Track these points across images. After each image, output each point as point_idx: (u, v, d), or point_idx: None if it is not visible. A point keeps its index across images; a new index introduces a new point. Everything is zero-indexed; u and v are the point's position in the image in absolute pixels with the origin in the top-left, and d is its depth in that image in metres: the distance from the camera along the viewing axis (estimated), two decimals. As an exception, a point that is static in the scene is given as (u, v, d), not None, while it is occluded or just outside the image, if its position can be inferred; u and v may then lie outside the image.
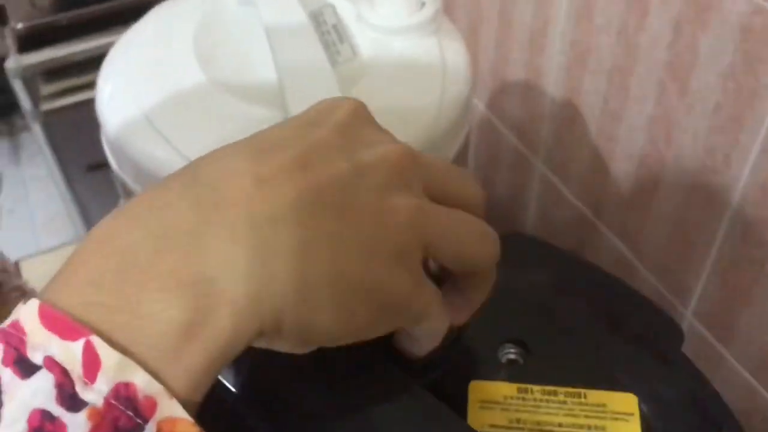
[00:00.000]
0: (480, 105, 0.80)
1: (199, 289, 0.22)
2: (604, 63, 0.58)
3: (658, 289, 0.61)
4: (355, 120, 0.28)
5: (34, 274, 0.76)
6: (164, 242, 0.23)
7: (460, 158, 0.58)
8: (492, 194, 0.83)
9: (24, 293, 0.62)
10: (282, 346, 0.25)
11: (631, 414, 0.29)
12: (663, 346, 0.33)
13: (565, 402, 0.30)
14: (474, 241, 0.28)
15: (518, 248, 0.36)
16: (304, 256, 0.24)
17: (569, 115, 0.65)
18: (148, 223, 0.24)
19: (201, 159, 0.26)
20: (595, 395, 0.30)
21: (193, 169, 0.26)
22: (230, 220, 0.23)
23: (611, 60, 0.57)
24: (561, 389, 0.30)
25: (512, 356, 0.32)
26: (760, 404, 0.55)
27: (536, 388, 0.30)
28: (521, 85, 0.71)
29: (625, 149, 0.60)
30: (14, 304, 0.56)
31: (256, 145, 0.26)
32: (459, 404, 0.30)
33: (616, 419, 0.29)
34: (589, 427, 0.29)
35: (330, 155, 0.26)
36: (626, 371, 0.31)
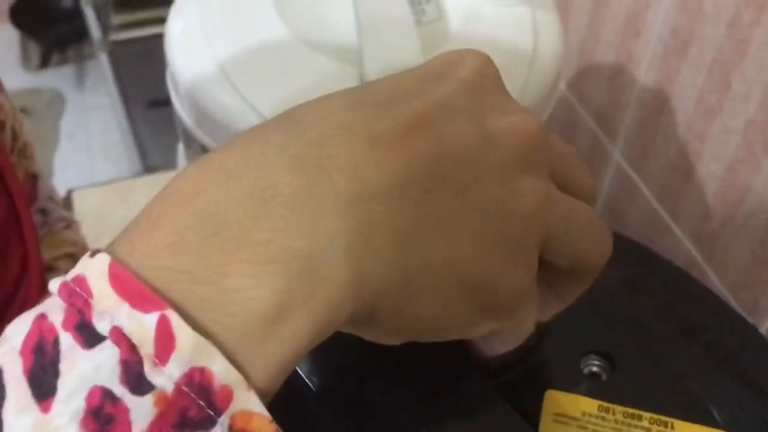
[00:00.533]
0: (561, 84, 0.76)
1: (295, 266, 0.19)
2: (706, 55, 0.54)
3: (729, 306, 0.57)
4: (484, 80, 0.24)
5: (87, 206, 0.75)
6: (260, 206, 0.20)
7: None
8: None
9: (69, 225, 0.61)
10: (370, 335, 0.22)
11: (723, 455, 0.26)
12: (756, 372, 0.30)
13: (649, 430, 0.27)
14: (593, 237, 0.25)
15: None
16: (414, 237, 0.21)
17: (658, 106, 0.61)
18: (242, 181, 0.20)
19: (304, 107, 0.23)
20: (685, 428, 0.27)
21: (296, 119, 0.22)
22: (335, 187, 0.20)
23: (715, 53, 0.53)
24: (646, 414, 0.27)
25: (595, 369, 0.29)
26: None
27: (619, 408, 0.27)
28: (609, 69, 0.67)
29: (716, 150, 0.55)
30: (60, 235, 0.53)
31: (370, 98, 0.23)
32: (532, 412, 0.27)
33: (705, 461, 0.26)
34: None
35: (455, 118, 0.22)
36: (718, 400, 0.27)
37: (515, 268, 0.22)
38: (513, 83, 0.47)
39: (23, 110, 2.09)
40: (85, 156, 1.95)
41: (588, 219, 0.25)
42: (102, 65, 1.32)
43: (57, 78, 2.21)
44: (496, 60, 0.48)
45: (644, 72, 0.62)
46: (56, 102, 2.14)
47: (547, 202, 0.23)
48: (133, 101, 1.31)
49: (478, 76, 0.24)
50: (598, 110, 0.71)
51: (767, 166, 0.51)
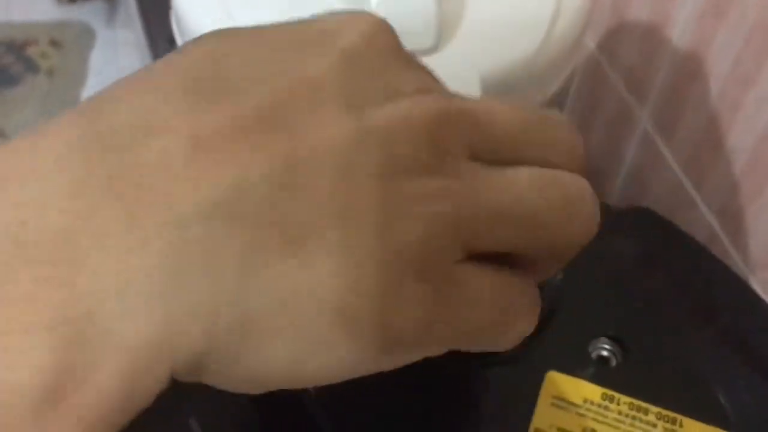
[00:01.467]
0: (591, 43, 0.72)
1: (71, 329, 0.14)
2: (747, 18, 0.50)
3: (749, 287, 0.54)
4: (372, 52, 0.19)
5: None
6: (16, 248, 0.14)
7: (560, 98, 0.52)
8: (587, 144, 0.76)
9: None
10: (221, 386, 0.17)
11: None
12: None
13: (654, 425, 0.24)
14: (555, 217, 0.20)
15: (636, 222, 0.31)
16: (251, 265, 0.15)
17: (691, 70, 0.57)
18: (5, 203, 0.15)
19: (117, 87, 0.17)
20: (694, 427, 0.24)
21: (98, 108, 0.17)
22: (131, 210, 0.15)
23: (757, 16, 0.49)
24: (654, 408, 0.25)
25: (604, 353, 0.26)
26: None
27: (624, 399, 0.25)
28: (641, 28, 0.63)
29: (749, 120, 0.52)
30: None
31: (203, 81, 0.17)
32: (529, 394, 0.25)
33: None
34: None
35: (322, 107, 0.17)
36: (731, 387, 0.25)
37: (414, 291, 0.17)
38: (532, 36, 0.44)
39: (53, 43, 2.08)
40: (112, 92, 1.95)
41: (545, 193, 0.19)
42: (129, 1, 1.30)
43: (88, 12, 2.20)
44: (514, 10, 0.44)
45: (679, 33, 0.58)
46: (85, 36, 2.13)
47: (450, 201, 0.18)
48: (158, 38, 1.29)
49: (364, 48, 0.18)
50: (628, 72, 0.67)
51: (802, 140, 0.47)
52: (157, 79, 0.17)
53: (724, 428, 0.25)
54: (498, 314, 0.19)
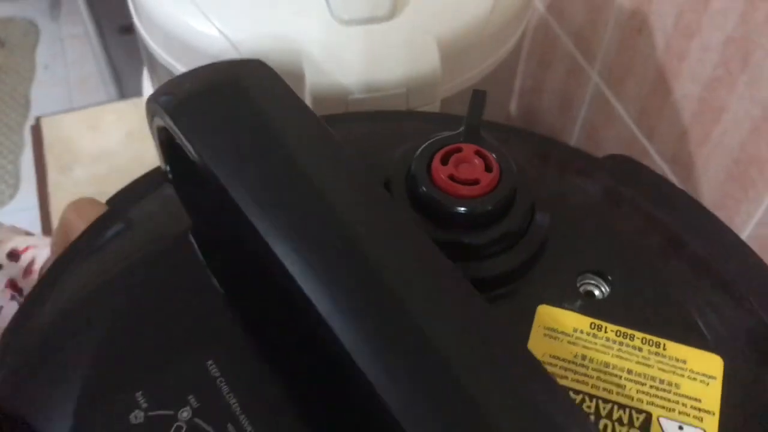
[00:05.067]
0: (540, 6, 0.74)
1: None
2: (686, -30, 0.52)
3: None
4: None
5: (56, 134, 0.74)
6: None
7: (512, 60, 0.54)
8: (539, 103, 0.78)
9: None
10: None
11: (714, 377, 0.26)
12: (761, 300, 0.30)
13: (640, 349, 0.26)
14: None
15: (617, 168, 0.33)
16: None
17: (636, 25, 0.60)
18: None
19: None
20: (677, 348, 0.26)
21: None
22: None
23: (694, -33, 0.52)
24: (639, 334, 0.27)
25: (591, 288, 0.28)
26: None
27: (611, 327, 0.27)
28: (587, -13, 0.65)
29: (694, 70, 0.54)
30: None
31: None
32: (522, 326, 0.27)
33: (695, 379, 0.26)
34: (662, 381, 0.26)
35: None
36: (715, 327, 0.27)
37: None
38: (483, 1, 0.46)
39: (-3, 40, 2.04)
40: (64, 86, 1.92)
41: None
42: (74, -9, 1.28)
43: (30, 7, 2.15)
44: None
45: (623, -10, 0.60)
46: (30, 32, 2.09)
47: None
48: (106, 27, 1.28)
49: None
50: (577, 31, 0.69)
51: (743, 83, 0.50)
52: None
53: (704, 349, 0.27)
54: None
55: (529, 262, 0.28)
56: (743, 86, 0.50)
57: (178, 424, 0.25)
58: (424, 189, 0.28)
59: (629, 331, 0.27)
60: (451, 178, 0.27)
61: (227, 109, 0.26)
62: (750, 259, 0.30)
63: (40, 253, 0.47)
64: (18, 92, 1.91)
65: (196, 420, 0.25)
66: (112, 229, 0.31)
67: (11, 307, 0.48)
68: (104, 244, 0.31)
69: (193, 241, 0.29)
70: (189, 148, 0.25)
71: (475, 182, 0.27)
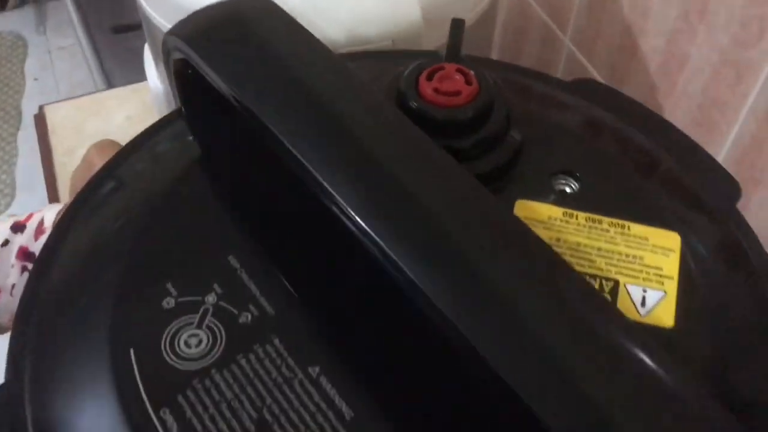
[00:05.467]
0: (513, -21, 0.78)
1: None
2: (645, -69, 0.57)
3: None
4: None
5: (59, 120, 0.77)
6: None
7: (486, 29, 0.58)
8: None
9: None
10: None
11: (672, 250, 0.30)
12: (717, 200, 0.33)
13: (608, 230, 0.30)
14: None
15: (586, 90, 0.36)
16: None
17: (603, -11, 0.64)
18: None
19: None
20: (639, 228, 0.30)
21: None
22: None
23: (652, -72, 0.56)
24: (606, 219, 0.30)
25: (562, 186, 0.32)
26: None
27: (582, 214, 0.31)
28: (557, -43, 0.69)
29: (657, 24, 0.58)
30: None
31: None
32: None
33: (656, 252, 0.30)
34: (627, 256, 0.29)
35: None
36: (676, 217, 0.31)
37: None
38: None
39: (-15, 55, 2.06)
40: (54, 97, 1.94)
41: None
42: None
43: (16, 22, 2.18)
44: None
45: (589, -45, 0.64)
46: (18, 46, 2.12)
47: None
48: (96, 30, 1.31)
49: None
50: (550, 1, 0.73)
51: (702, 32, 0.54)
52: None
53: (664, 228, 0.30)
54: None
55: (508, 163, 0.32)
56: (703, 34, 0.54)
57: (205, 307, 0.28)
58: (414, 102, 0.31)
59: (597, 217, 0.31)
60: (436, 91, 0.31)
61: (244, 36, 0.29)
62: (700, 155, 0.34)
63: (47, 213, 0.49)
64: (9, 104, 1.94)
65: (221, 303, 0.28)
66: (131, 159, 0.34)
67: (23, 283, 0.50)
68: (125, 171, 0.34)
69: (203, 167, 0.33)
70: (210, 73, 0.29)
71: (457, 93, 0.31)
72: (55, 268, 0.31)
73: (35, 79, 2.01)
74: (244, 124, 0.27)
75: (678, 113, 0.59)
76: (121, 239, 0.30)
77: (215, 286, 0.29)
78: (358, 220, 0.24)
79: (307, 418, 0.25)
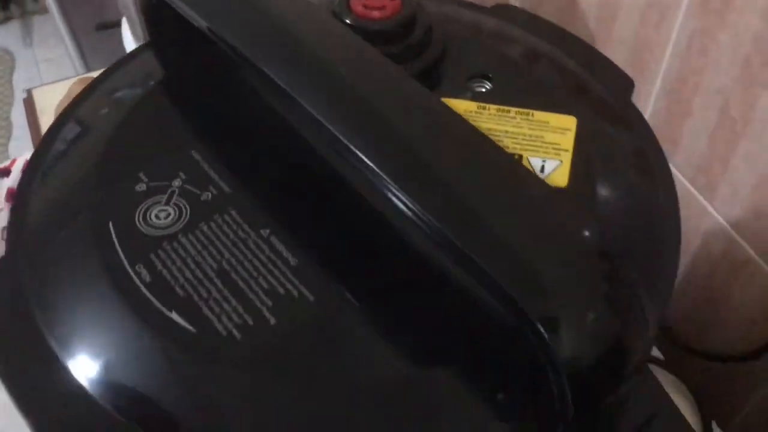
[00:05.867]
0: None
1: None
2: None
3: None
4: None
5: (48, 102, 0.82)
6: None
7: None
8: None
9: None
10: None
11: (569, 129, 0.35)
12: (612, 92, 0.38)
13: (515, 117, 0.35)
14: None
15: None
16: None
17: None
18: None
19: None
20: (541, 114, 0.35)
21: None
22: None
23: None
24: (514, 109, 0.36)
25: (478, 86, 0.37)
26: (693, 205, 0.62)
27: (493, 106, 0.36)
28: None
29: (590, -22, 0.64)
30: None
31: None
32: None
33: (555, 132, 0.35)
34: (531, 136, 0.35)
35: None
36: (575, 105, 0.36)
37: None
38: None
39: (-26, 70, 2.11)
40: (41, 106, 1.99)
41: None
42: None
43: (3, 36, 2.23)
44: None
45: None
46: (6, 60, 2.17)
47: None
48: (81, 29, 1.36)
49: None
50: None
51: (627, -20, 0.59)
52: None
53: (562, 113, 0.35)
54: None
55: (431, 68, 0.37)
56: (628, -18, 0.59)
57: (171, 189, 0.33)
58: (347, 19, 0.36)
59: (506, 107, 0.36)
60: (365, 7, 0.36)
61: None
62: (600, 58, 0.39)
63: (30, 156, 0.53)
64: (0, 116, 1.99)
65: (186, 186, 0.33)
66: (106, 84, 0.40)
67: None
68: (101, 92, 0.39)
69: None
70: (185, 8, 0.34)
71: (383, 8, 0.36)
72: (44, 167, 0.36)
73: (24, 91, 2.05)
74: (207, 46, 0.33)
75: (616, 57, 0.64)
76: (99, 141, 0.35)
77: (180, 173, 0.34)
78: (304, 102, 0.29)
79: (259, 266, 0.30)
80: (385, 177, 0.27)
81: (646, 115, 0.63)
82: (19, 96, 2.04)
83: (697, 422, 0.60)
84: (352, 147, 0.27)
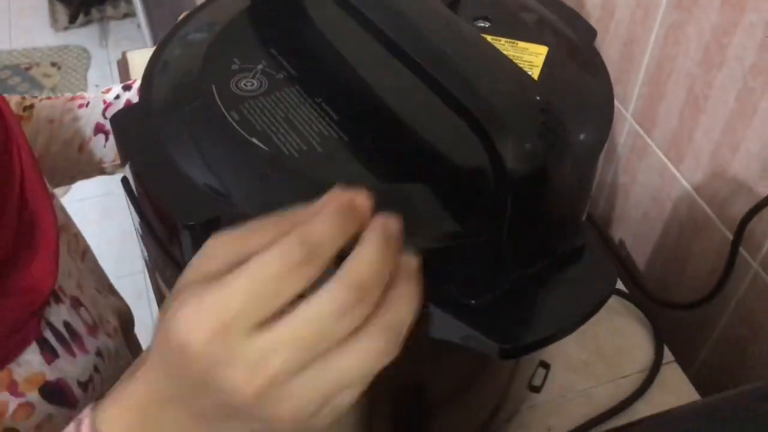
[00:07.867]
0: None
1: None
2: None
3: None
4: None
5: (142, 63, 0.97)
6: None
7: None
8: None
9: None
10: None
11: (542, 54, 0.48)
12: (579, 36, 0.52)
13: (504, 45, 0.49)
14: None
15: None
16: None
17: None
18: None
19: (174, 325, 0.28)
20: (523, 44, 0.49)
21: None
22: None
23: None
24: (503, 38, 0.49)
25: (480, 25, 0.50)
26: (667, 178, 0.74)
27: (490, 37, 0.49)
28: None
29: (595, -15, 0.78)
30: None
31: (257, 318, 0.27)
32: None
33: (531, 55, 0.48)
34: (514, 57, 0.48)
35: None
36: (548, 40, 0.50)
37: None
38: None
39: (53, 64, 2.32)
40: (111, 100, 2.17)
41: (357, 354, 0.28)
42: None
43: (82, 36, 2.44)
44: None
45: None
46: (83, 57, 2.37)
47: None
48: (162, 29, 1.53)
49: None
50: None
51: (622, -15, 0.73)
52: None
53: (537, 44, 0.49)
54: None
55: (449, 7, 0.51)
56: (624, -12, 0.73)
57: (255, 69, 0.47)
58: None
59: (498, 38, 0.50)
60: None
61: None
62: (572, 13, 0.53)
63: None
64: (72, 105, 2.17)
65: (266, 69, 0.47)
66: (213, 5, 0.54)
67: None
68: (207, 11, 0.54)
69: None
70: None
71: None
72: (165, 55, 0.50)
73: (96, 86, 2.25)
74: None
75: (611, 51, 0.77)
76: (206, 38, 0.50)
77: (262, 61, 0.48)
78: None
79: (312, 118, 0.44)
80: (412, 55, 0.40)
81: (633, 100, 0.76)
82: (92, 90, 2.23)
83: (651, 345, 0.72)
84: (389, 34, 0.41)
